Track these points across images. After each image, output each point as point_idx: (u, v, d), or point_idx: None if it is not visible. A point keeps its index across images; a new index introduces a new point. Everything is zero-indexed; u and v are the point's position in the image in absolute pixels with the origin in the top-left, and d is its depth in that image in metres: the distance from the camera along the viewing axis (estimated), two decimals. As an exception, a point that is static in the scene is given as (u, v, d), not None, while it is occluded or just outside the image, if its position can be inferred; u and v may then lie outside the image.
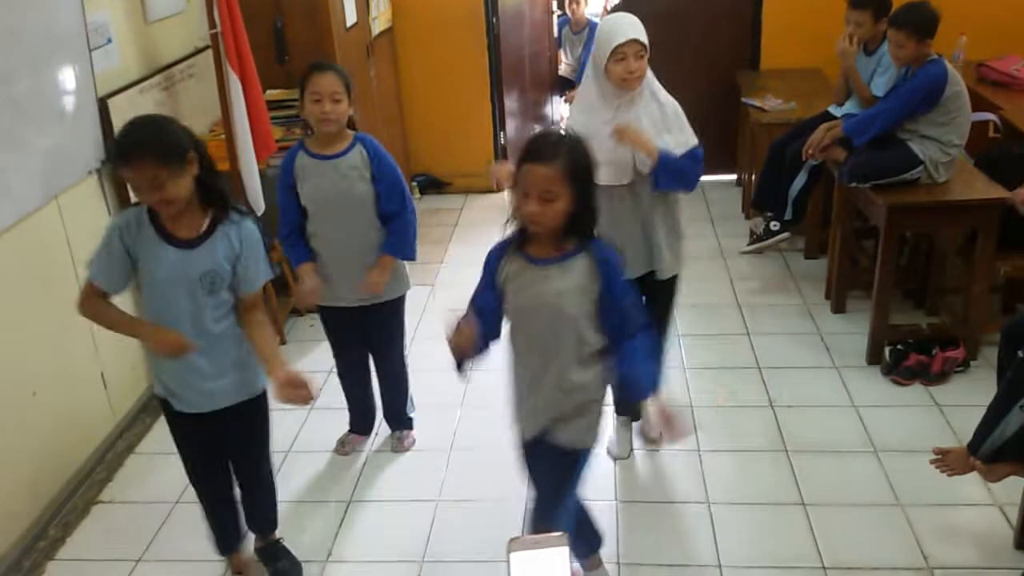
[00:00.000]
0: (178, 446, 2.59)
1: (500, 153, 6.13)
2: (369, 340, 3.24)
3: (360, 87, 4.87)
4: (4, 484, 2.87)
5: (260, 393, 2.53)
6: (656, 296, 3.01)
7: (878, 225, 3.68)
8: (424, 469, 3.28)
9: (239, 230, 2.32)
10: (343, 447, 3.40)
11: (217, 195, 2.29)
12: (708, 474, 3.16)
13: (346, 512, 3.08)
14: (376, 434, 3.47)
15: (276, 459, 3.30)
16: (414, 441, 3.41)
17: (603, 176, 2.77)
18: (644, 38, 2.69)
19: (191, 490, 3.16)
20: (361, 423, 3.44)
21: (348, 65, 4.55)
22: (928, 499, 2.94)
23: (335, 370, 3.39)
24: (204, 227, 2.28)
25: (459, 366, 2.19)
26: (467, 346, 2.10)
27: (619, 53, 2.67)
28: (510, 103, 6.13)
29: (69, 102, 3.20)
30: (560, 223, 2.02)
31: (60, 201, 3.15)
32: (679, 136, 2.81)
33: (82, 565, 2.90)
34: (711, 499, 3.03)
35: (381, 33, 5.38)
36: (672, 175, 2.78)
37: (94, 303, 2.35)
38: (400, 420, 3.42)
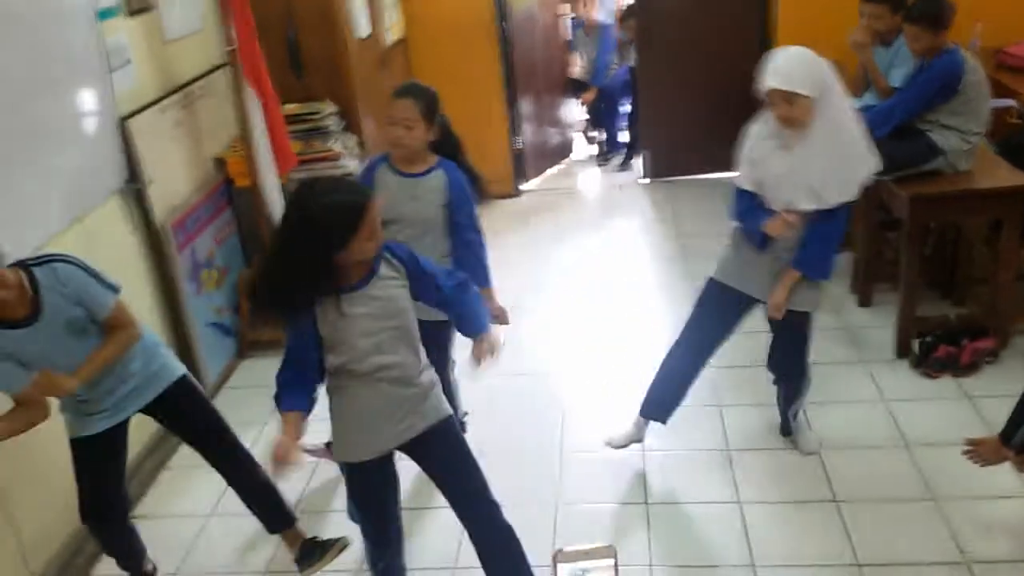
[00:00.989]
0: (83, 474, 2.64)
1: (517, 158, 6.14)
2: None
3: (377, 98, 4.89)
4: (41, 501, 2.90)
5: (180, 376, 2.66)
6: (784, 326, 3.02)
7: (902, 217, 3.65)
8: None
9: (56, 276, 2.33)
10: (310, 452, 3.36)
11: (22, 270, 2.30)
12: (738, 473, 3.15)
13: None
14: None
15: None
16: None
17: (767, 195, 2.81)
18: (787, 84, 2.62)
19: (224, 502, 3.22)
20: None
21: (362, 76, 4.59)
22: (962, 492, 2.92)
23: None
24: (31, 299, 2.29)
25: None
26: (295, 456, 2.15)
27: (768, 97, 2.68)
28: (525, 107, 6.14)
29: (90, 124, 3.24)
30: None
31: (85, 223, 3.18)
32: (837, 186, 2.73)
33: (119, 581, 2.93)
34: (742, 499, 3.02)
35: (394, 43, 5.40)
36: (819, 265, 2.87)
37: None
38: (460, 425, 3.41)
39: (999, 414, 2.68)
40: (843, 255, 4.60)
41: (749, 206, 2.87)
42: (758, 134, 2.84)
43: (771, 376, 3.23)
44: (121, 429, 2.62)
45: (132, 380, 2.55)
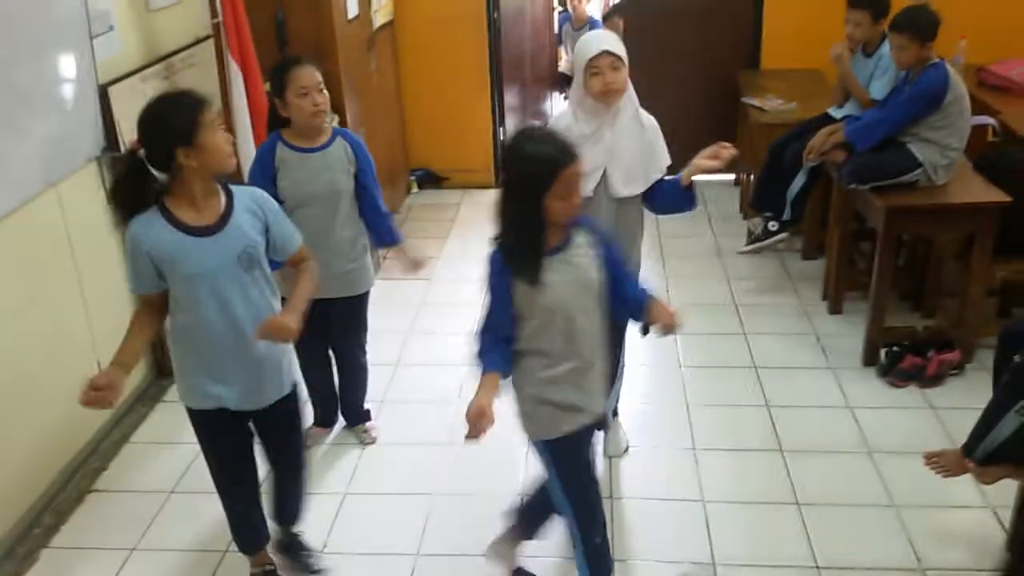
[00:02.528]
0: (211, 448, 2.49)
1: (499, 149, 6.13)
2: (333, 334, 3.23)
3: (361, 80, 4.86)
4: (1, 470, 2.87)
5: (291, 390, 2.49)
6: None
7: (876, 227, 3.69)
8: (420, 463, 3.29)
9: (252, 197, 2.28)
10: (307, 440, 3.39)
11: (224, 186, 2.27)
12: (703, 472, 3.17)
13: (341, 504, 3.08)
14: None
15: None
16: (377, 431, 3.45)
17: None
18: (618, 50, 2.64)
19: (186, 480, 3.20)
20: (324, 415, 3.45)
21: (349, 58, 4.56)
22: (922, 501, 2.96)
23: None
24: (223, 208, 2.22)
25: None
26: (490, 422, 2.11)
27: (593, 67, 2.63)
28: (510, 98, 6.13)
29: (70, 89, 3.19)
30: None
31: (60, 188, 3.14)
32: (658, 158, 2.80)
33: (76, 553, 2.90)
34: (706, 498, 3.04)
35: (382, 26, 5.37)
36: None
37: (148, 313, 2.31)
38: (359, 414, 3.45)
39: (962, 426, 2.72)
40: (815, 262, 4.66)
41: None
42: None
43: None
44: (243, 429, 2.48)
45: (270, 366, 2.37)
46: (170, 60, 3.87)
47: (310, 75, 2.80)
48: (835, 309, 4.21)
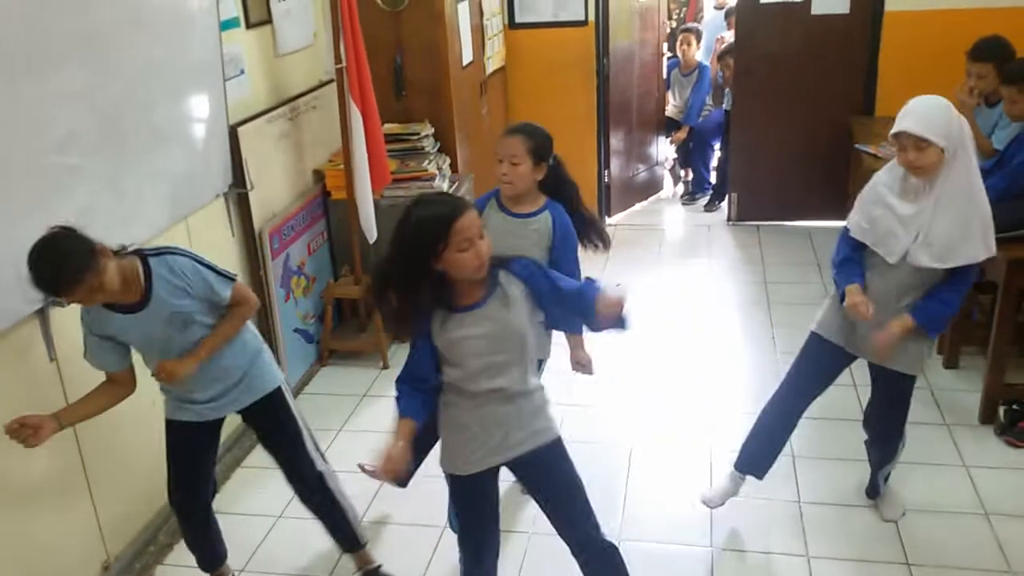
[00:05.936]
0: (172, 456, 2.69)
1: (604, 191, 6.17)
2: None
3: (472, 123, 4.99)
4: (123, 489, 3.03)
5: (273, 390, 2.67)
6: (888, 387, 2.93)
7: (996, 279, 3.56)
8: (519, 500, 3.31)
9: (169, 268, 2.39)
10: (370, 472, 3.42)
11: (139, 259, 2.37)
12: (808, 526, 3.09)
13: (440, 537, 3.13)
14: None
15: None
16: None
17: (879, 245, 2.70)
18: (922, 130, 2.50)
19: (294, 505, 3.26)
20: None
21: (462, 102, 4.69)
22: (1043, 568, 2.82)
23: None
24: (143, 287, 2.36)
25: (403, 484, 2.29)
26: (403, 466, 2.16)
27: (897, 141, 2.58)
28: (616, 142, 6.18)
29: (202, 130, 3.38)
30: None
31: (189, 222, 3.32)
32: (972, 245, 2.59)
33: (188, 571, 3.01)
34: (811, 553, 2.97)
35: (494, 72, 5.51)
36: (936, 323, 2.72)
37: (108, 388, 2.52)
38: None
39: (1088, 491, 2.59)
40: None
41: (848, 257, 2.78)
42: (882, 181, 2.72)
43: (864, 436, 3.13)
44: (214, 424, 2.68)
45: (233, 378, 2.59)
46: (295, 103, 4.08)
47: (507, 144, 2.86)
48: (951, 363, 4.06)
